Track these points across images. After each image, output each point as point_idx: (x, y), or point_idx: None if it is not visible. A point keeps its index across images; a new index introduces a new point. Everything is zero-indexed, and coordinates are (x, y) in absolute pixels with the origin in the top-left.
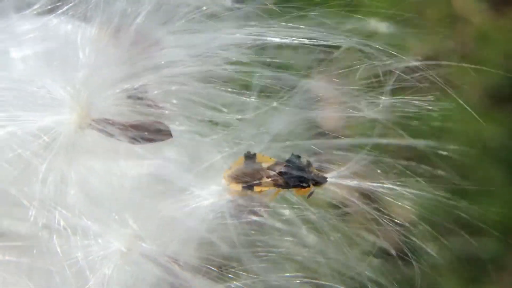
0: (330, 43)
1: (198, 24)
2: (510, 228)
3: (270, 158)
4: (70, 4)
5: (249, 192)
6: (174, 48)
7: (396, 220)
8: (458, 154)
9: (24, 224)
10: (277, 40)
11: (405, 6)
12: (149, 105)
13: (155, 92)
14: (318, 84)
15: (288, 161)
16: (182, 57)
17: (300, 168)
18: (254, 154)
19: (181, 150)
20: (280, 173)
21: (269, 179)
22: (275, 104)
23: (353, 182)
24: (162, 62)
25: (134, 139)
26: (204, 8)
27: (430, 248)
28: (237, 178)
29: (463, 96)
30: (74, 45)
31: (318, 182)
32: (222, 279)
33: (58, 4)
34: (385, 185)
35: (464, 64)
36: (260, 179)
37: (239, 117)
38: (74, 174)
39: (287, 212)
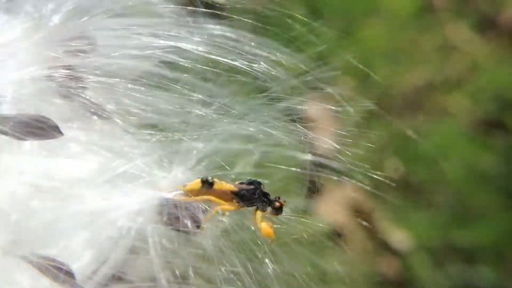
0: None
1: (129, 20)
2: (508, 256)
3: (230, 185)
4: None
5: (206, 193)
6: (104, 46)
7: (393, 249)
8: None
9: None
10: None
11: (400, 37)
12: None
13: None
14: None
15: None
16: (113, 56)
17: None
18: (212, 182)
19: (97, 150)
20: (238, 192)
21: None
22: (215, 114)
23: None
24: (90, 60)
25: (18, 135)
26: (132, 3)
27: (428, 276)
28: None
29: (457, 123)
30: None
31: (277, 208)
32: None
33: None
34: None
35: None
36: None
37: (175, 121)
38: None
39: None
